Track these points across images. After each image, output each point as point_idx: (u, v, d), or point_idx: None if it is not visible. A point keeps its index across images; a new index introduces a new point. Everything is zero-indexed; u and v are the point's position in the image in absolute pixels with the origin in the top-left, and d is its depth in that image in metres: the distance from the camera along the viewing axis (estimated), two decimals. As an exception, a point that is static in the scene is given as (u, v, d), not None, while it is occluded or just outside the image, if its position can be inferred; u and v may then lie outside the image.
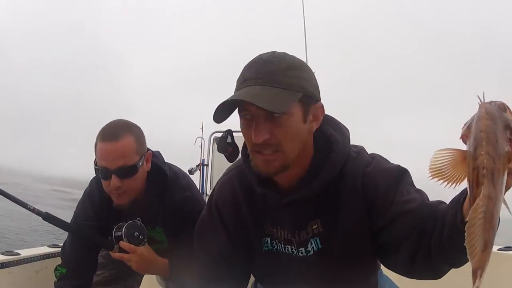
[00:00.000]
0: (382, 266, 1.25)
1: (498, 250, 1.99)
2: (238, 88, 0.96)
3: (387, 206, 0.98)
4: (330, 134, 1.05)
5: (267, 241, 1.13)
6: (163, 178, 1.51)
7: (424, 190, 1.03)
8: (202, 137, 5.21)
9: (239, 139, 1.40)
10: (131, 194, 1.42)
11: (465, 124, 0.65)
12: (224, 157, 2.15)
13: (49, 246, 2.06)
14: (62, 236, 1.80)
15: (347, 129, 1.11)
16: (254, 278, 1.33)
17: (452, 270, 0.98)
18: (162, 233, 1.57)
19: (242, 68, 0.99)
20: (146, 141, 1.46)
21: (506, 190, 0.65)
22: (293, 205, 1.04)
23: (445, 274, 0.97)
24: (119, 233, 1.44)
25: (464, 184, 0.65)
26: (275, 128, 0.93)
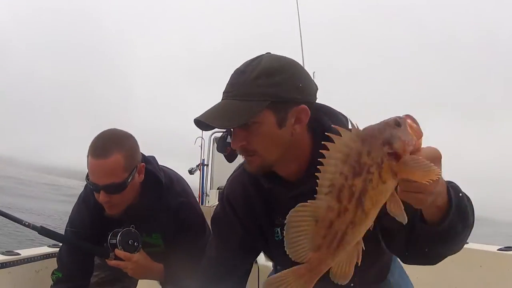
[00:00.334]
0: None
1: (498, 250, 1.99)
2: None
3: None
4: (328, 126, 1.06)
5: (278, 231, 1.17)
6: (158, 185, 1.51)
7: None
8: (202, 137, 5.21)
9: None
10: (121, 206, 1.44)
11: None
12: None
13: (49, 246, 2.05)
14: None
15: (346, 117, 1.12)
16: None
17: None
18: (159, 238, 1.57)
19: None
20: (149, 131, 1.45)
21: (414, 203, 0.70)
22: (298, 198, 1.07)
23: (439, 261, 0.95)
24: (114, 241, 1.46)
25: None
26: (249, 136, 0.99)
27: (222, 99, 1.00)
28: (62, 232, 1.59)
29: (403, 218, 0.65)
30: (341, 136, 0.64)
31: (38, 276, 1.88)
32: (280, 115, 0.98)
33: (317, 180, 0.66)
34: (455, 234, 0.86)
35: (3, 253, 1.85)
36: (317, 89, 1.06)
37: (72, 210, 1.61)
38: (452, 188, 0.82)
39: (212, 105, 1.00)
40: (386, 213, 0.97)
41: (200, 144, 5.21)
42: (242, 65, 1.01)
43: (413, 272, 1.39)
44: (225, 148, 2.12)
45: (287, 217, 0.69)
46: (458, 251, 0.94)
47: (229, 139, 2.10)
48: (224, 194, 1.27)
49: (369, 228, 0.68)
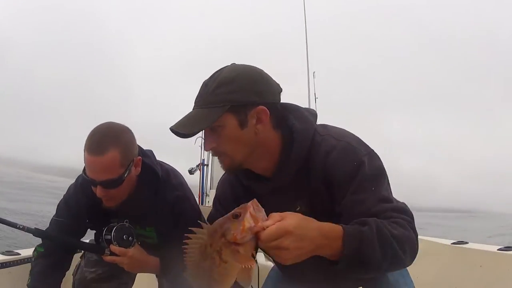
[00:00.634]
0: None
1: (498, 250, 1.99)
2: None
3: (341, 198, 1.09)
4: (291, 125, 1.15)
5: None
6: (155, 178, 1.52)
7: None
8: (202, 137, 5.20)
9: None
10: (118, 199, 1.45)
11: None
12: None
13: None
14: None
15: (313, 114, 1.21)
16: None
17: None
18: (153, 231, 1.59)
19: None
20: (148, 131, 1.46)
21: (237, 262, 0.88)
22: (275, 193, 1.16)
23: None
24: (109, 237, 1.47)
25: None
26: (218, 138, 1.11)
27: (192, 109, 1.12)
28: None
29: (246, 286, 0.89)
30: (195, 233, 0.92)
31: (38, 276, 1.88)
32: (240, 117, 1.08)
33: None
34: (366, 268, 0.96)
35: (3, 253, 1.85)
36: (281, 90, 1.15)
37: (69, 188, 1.61)
38: (351, 236, 0.94)
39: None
40: (344, 214, 1.08)
41: (200, 144, 5.20)
42: (208, 78, 1.13)
43: (413, 272, 1.39)
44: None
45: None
46: (398, 269, 1.08)
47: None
48: (216, 196, 1.36)
49: None
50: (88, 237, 1.65)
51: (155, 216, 1.54)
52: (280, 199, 1.16)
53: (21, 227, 1.43)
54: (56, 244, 1.54)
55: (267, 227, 0.86)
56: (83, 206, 1.55)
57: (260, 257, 1.92)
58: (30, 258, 1.59)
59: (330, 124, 1.24)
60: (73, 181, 1.63)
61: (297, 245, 0.87)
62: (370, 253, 0.94)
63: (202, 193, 5.61)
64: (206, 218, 1.47)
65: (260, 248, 0.89)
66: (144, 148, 1.56)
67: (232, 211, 0.89)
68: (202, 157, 5.45)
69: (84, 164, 1.40)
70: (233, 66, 1.12)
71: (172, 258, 1.42)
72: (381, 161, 1.13)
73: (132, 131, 1.47)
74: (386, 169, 1.14)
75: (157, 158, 1.60)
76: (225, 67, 1.12)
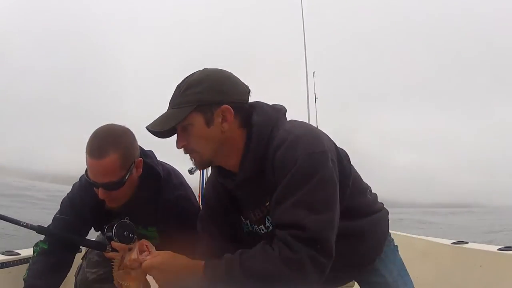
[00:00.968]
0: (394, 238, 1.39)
1: (498, 250, 1.99)
2: None
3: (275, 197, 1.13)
4: (253, 122, 1.20)
5: (247, 223, 1.31)
6: (156, 178, 1.53)
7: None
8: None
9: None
10: (121, 200, 1.48)
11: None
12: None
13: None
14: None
15: (277, 109, 1.24)
16: None
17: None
18: (155, 231, 1.60)
19: None
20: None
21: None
22: (242, 188, 1.23)
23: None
24: (110, 234, 1.49)
25: None
26: (188, 137, 1.19)
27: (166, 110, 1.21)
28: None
29: None
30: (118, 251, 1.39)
31: (38, 276, 1.88)
32: (207, 116, 1.16)
33: None
34: None
35: (3, 253, 1.85)
36: (249, 90, 1.22)
37: (73, 188, 1.62)
38: (209, 268, 1.13)
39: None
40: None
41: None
42: (181, 81, 1.21)
43: (413, 272, 1.40)
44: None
45: None
46: None
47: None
48: (204, 196, 1.46)
49: None
50: (90, 237, 1.66)
51: (157, 216, 1.55)
52: (249, 194, 1.24)
53: (24, 224, 1.44)
54: (59, 241, 1.54)
55: (144, 261, 1.19)
56: (86, 205, 1.56)
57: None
58: (30, 258, 1.59)
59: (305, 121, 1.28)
60: (69, 188, 1.65)
61: (160, 276, 1.17)
62: (227, 284, 1.10)
63: (202, 193, 5.58)
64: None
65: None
66: (145, 148, 1.56)
67: (129, 246, 1.36)
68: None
69: (86, 166, 1.41)
70: (204, 70, 1.21)
71: None
72: (324, 165, 1.09)
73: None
74: (330, 173, 1.10)
75: (158, 159, 1.60)
76: (197, 71, 1.21)
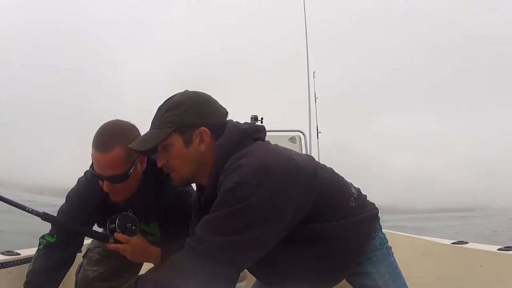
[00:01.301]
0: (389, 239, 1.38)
1: (498, 250, 1.99)
2: None
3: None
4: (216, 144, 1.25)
5: None
6: (158, 173, 1.52)
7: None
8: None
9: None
10: (125, 194, 1.52)
11: None
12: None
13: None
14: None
15: (242, 130, 1.27)
16: None
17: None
18: (156, 228, 1.64)
19: None
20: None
21: None
22: (210, 203, 1.23)
23: None
24: (113, 225, 1.50)
25: None
26: (168, 156, 1.26)
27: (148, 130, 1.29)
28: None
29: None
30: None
31: (38, 276, 1.87)
32: (186, 137, 1.23)
33: None
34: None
35: (3, 253, 1.85)
36: (226, 112, 1.29)
37: (78, 182, 1.63)
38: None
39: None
40: None
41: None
42: (162, 102, 1.28)
43: (413, 272, 1.39)
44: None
45: None
46: None
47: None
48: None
49: None
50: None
51: (159, 211, 1.59)
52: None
53: (30, 210, 1.44)
54: (66, 234, 1.54)
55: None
56: (92, 199, 1.57)
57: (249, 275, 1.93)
58: (30, 258, 1.58)
59: (272, 143, 1.32)
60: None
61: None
62: None
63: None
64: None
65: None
66: None
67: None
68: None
69: (92, 160, 1.45)
70: (184, 92, 1.28)
71: (174, 249, 1.45)
72: (254, 198, 1.10)
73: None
74: (263, 209, 1.11)
75: None
76: (177, 93, 1.28)
